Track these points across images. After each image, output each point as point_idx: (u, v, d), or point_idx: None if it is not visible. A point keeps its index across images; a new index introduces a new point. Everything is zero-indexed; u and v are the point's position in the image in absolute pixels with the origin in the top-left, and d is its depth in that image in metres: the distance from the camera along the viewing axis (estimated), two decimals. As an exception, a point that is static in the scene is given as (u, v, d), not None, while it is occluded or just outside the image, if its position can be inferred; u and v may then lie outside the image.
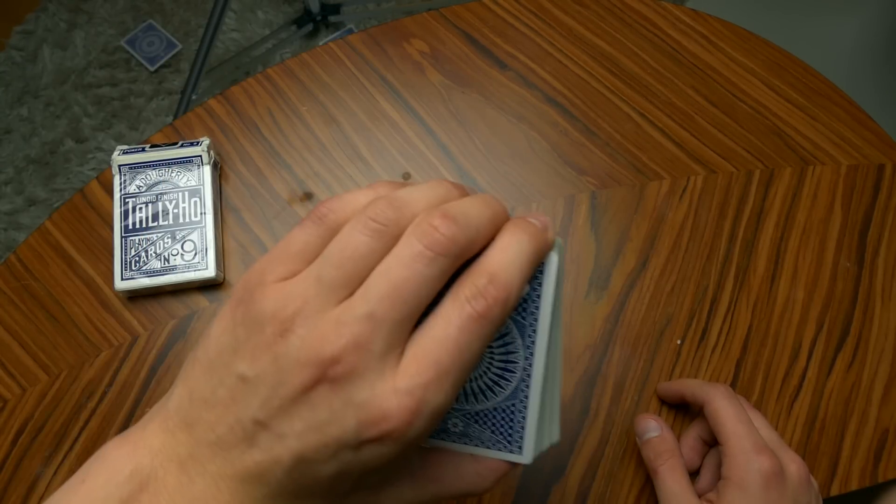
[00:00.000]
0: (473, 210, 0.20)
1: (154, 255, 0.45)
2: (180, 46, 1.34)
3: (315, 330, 0.18)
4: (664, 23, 0.55)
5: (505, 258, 0.20)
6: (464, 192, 0.22)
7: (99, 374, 0.44)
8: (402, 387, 0.18)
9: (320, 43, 1.03)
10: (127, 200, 0.45)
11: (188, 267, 0.44)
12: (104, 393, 0.44)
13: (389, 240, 0.19)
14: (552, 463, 0.43)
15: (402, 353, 0.19)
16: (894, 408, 0.45)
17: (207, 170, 0.46)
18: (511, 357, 0.22)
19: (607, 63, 0.53)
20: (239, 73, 1.30)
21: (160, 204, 0.46)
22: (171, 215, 0.45)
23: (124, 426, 0.44)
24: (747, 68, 0.53)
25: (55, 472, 0.42)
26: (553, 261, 0.21)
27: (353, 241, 0.19)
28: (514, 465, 0.24)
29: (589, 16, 0.55)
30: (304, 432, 0.19)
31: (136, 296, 0.46)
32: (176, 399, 0.21)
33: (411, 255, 0.19)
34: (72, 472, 0.38)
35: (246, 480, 0.19)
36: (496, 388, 0.23)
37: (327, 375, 0.18)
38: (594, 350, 0.46)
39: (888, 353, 0.46)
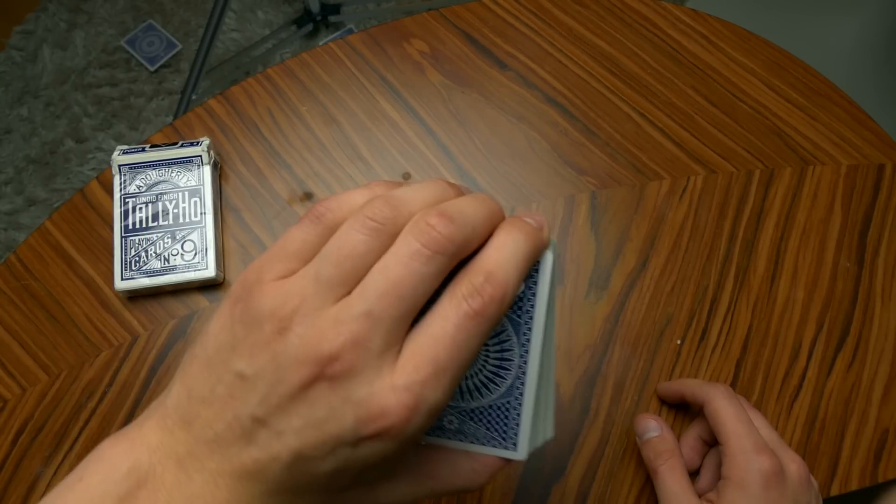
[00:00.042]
0: (470, 209, 0.20)
1: (154, 255, 0.45)
2: (180, 46, 1.34)
3: (313, 328, 0.19)
4: (664, 23, 0.55)
5: (501, 256, 0.20)
6: (459, 192, 0.22)
7: (99, 374, 0.44)
8: (399, 384, 0.19)
9: (320, 43, 1.03)
10: (127, 200, 0.45)
11: (188, 267, 0.44)
12: (104, 393, 0.44)
13: (387, 238, 0.20)
14: (552, 463, 0.43)
15: (399, 350, 0.19)
16: (894, 408, 0.45)
17: (207, 170, 0.46)
18: (506, 355, 0.23)
19: (607, 63, 0.53)
20: (239, 73, 1.30)
21: (160, 204, 0.46)
22: (171, 215, 0.45)
23: (124, 426, 0.43)
24: (747, 68, 0.53)
25: (55, 472, 0.42)
26: (548, 259, 0.22)
27: (350, 239, 0.20)
28: (508, 461, 0.24)
29: (589, 16, 0.55)
30: (302, 429, 0.19)
31: (136, 296, 0.46)
32: (174, 396, 0.21)
33: (409, 253, 0.19)
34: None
35: (244, 477, 0.19)
36: (491, 386, 0.23)
37: (325, 373, 0.18)
38: (594, 350, 0.46)
39: (888, 353, 0.46)
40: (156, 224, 0.45)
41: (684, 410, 0.45)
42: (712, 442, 0.41)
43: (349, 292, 0.19)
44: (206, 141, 0.47)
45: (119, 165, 0.46)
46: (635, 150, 0.51)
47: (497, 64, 0.53)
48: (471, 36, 0.54)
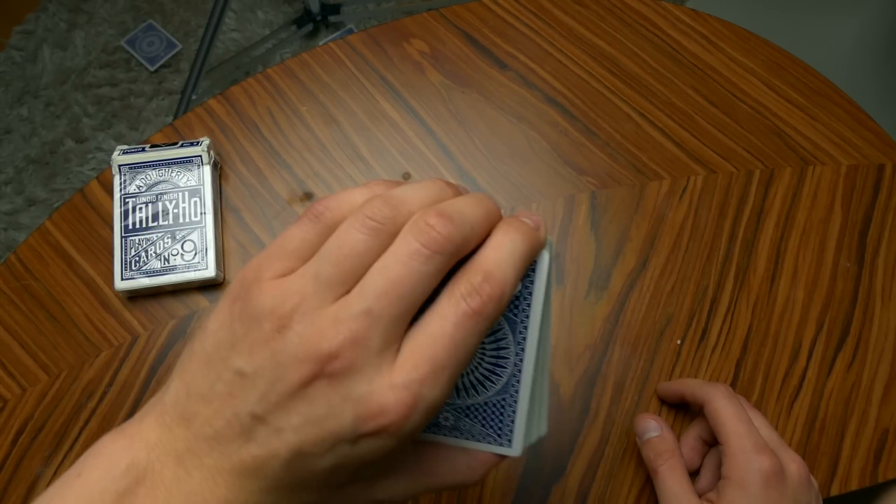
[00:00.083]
0: (468, 209, 0.20)
1: (154, 255, 0.45)
2: (180, 46, 1.34)
3: (313, 326, 0.19)
4: (664, 23, 0.55)
5: (499, 256, 0.20)
6: (457, 191, 0.22)
7: (99, 374, 0.44)
8: (398, 382, 0.19)
9: (320, 43, 1.03)
10: (127, 200, 0.45)
11: (188, 267, 0.44)
12: (104, 393, 0.44)
13: (386, 238, 0.20)
14: (552, 463, 0.43)
15: (398, 348, 0.19)
16: (894, 408, 0.45)
17: (207, 170, 0.46)
18: (502, 353, 0.23)
19: (607, 63, 0.53)
20: (239, 73, 1.30)
21: (160, 204, 0.46)
22: (171, 215, 0.45)
23: (124, 426, 0.43)
24: (747, 68, 0.53)
25: (55, 472, 0.42)
26: (545, 259, 0.22)
27: (350, 238, 0.20)
28: (503, 457, 0.24)
29: (589, 16, 0.55)
30: (301, 426, 0.19)
31: (136, 296, 0.46)
32: (172, 393, 0.21)
33: (408, 252, 0.19)
34: (72, 472, 0.38)
35: (243, 474, 0.20)
36: (487, 383, 0.23)
37: (325, 371, 0.19)
38: (594, 350, 0.46)
39: (888, 353, 0.46)
40: (156, 224, 0.45)
41: (684, 410, 0.45)
42: (712, 442, 0.41)
43: (348, 291, 0.19)
44: (206, 141, 0.47)
45: (119, 165, 0.46)
46: (635, 150, 0.51)
47: (497, 64, 0.53)
48: (471, 36, 0.54)
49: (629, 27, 0.54)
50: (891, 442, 0.45)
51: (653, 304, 0.47)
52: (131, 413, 0.44)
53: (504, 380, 0.23)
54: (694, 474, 0.42)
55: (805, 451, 0.44)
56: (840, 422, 0.45)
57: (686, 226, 0.49)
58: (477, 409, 0.24)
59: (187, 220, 0.45)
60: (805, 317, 0.47)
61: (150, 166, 0.46)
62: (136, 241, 0.45)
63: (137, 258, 0.44)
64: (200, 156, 0.46)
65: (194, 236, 0.45)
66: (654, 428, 0.41)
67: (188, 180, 0.46)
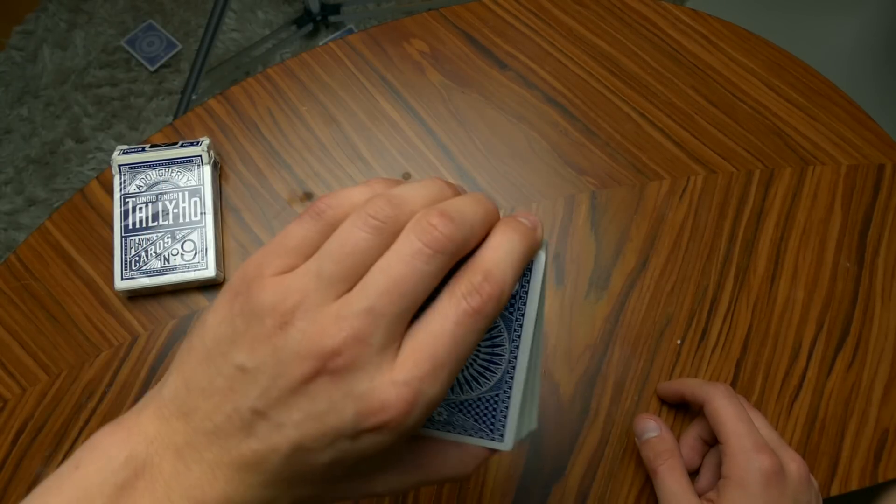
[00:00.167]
0: (469, 209, 0.21)
1: (154, 254, 0.45)
2: (180, 46, 1.34)
3: (315, 323, 0.19)
4: (664, 23, 0.55)
5: (498, 256, 0.21)
6: (456, 191, 0.23)
7: (99, 374, 0.44)
8: (400, 379, 0.19)
9: (320, 43, 1.03)
10: (127, 200, 0.45)
11: (188, 267, 0.44)
12: (104, 393, 0.44)
13: (388, 237, 0.20)
14: (552, 463, 0.43)
15: (399, 346, 0.20)
16: (894, 408, 0.45)
17: (207, 170, 0.46)
18: (497, 350, 0.23)
19: (607, 63, 0.53)
20: (239, 73, 1.30)
21: (160, 204, 0.46)
22: (171, 215, 0.45)
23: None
24: (747, 68, 0.53)
25: (55, 472, 0.42)
26: (541, 259, 0.22)
27: (352, 237, 0.20)
28: (494, 451, 0.25)
29: (589, 16, 0.55)
30: (302, 422, 0.19)
31: (136, 296, 0.46)
32: (171, 387, 0.21)
33: (411, 252, 0.19)
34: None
35: (242, 468, 0.20)
36: (481, 380, 0.24)
37: (327, 368, 0.19)
38: (594, 350, 0.46)
39: (888, 353, 0.46)
40: (156, 224, 0.45)
41: (684, 410, 0.45)
42: (712, 442, 0.41)
43: (350, 289, 0.20)
44: (206, 141, 0.47)
45: (119, 165, 0.46)
46: (635, 150, 0.51)
47: (497, 64, 0.53)
48: (471, 36, 0.54)
49: (629, 27, 0.54)
50: (891, 442, 0.45)
51: (653, 304, 0.47)
52: (131, 413, 0.44)
53: (498, 376, 0.24)
54: (693, 474, 0.42)
55: (805, 451, 0.44)
56: (840, 422, 0.45)
57: (686, 226, 0.49)
58: (470, 405, 0.24)
59: (187, 219, 0.45)
60: (805, 317, 0.47)
61: (150, 166, 0.46)
62: (136, 241, 0.45)
63: (137, 258, 0.44)
64: (200, 156, 0.46)
65: (194, 236, 0.45)
66: (652, 428, 0.41)
67: (188, 180, 0.46)
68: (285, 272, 0.20)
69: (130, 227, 0.45)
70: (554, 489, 0.43)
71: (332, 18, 1.31)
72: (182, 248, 0.45)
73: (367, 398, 0.19)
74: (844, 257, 0.48)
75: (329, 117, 0.51)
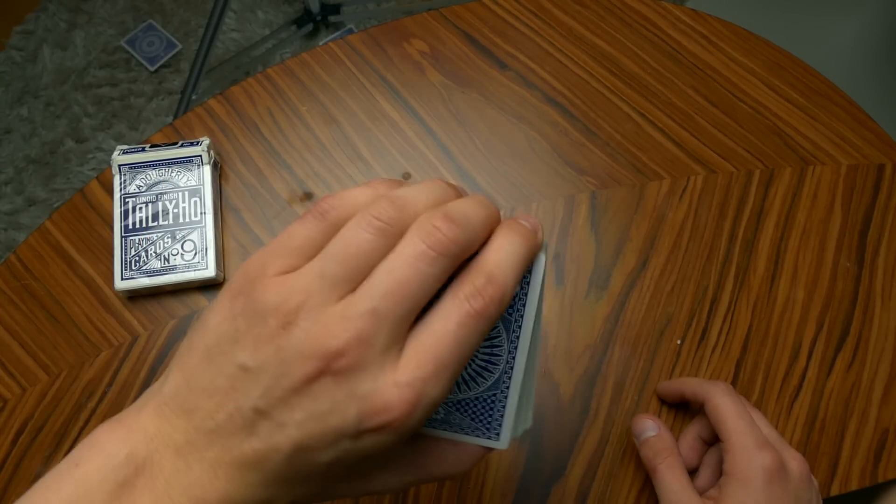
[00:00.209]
0: (471, 211, 0.21)
1: (154, 254, 0.45)
2: (180, 46, 1.34)
3: (319, 324, 0.19)
4: (664, 23, 0.55)
5: (500, 258, 0.21)
6: (458, 193, 0.23)
7: (99, 374, 0.44)
8: (402, 380, 0.19)
9: (320, 43, 1.03)
10: (127, 200, 0.45)
11: (188, 267, 0.44)
12: (104, 393, 0.44)
13: (392, 238, 0.20)
14: (552, 463, 0.43)
15: (402, 348, 0.20)
16: (894, 408, 0.45)
17: (207, 170, 0.46)
18: (495, 350, 0.24)
19: (607, 63, 0.53)
20: (239, 73, 1.30)
21: (160, 204, 0.46)
22: (171, 215, 0.45)
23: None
24: (747, 68, 0.53)
25: (55, 472, 0.42)
26: (541, 261, 0.22)
27: (356, 238, 0.20)
28: (489, 449, 0.25)
29: (589, 16, 0.55)
30: (304, 421, 0.19)
31: (136, 296, 0.46)
32: (172, 385, 0.21)
33: (415, 254, 0.19)
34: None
35: (243, 467, 0.20)
36: (479, 379, 0.24)
37: (331, 368, 0.19)
38: (594, 350, 0.46)
39: (888, 353, 0.47)
40: (156, 224, 0.45)
41: (684, 410, 0.45)
42: (711, 441, 0.41)
43: (353, 290, 0.20)
44: (206, 141, 0.47)
45: (119, 165, 0.46)
46: (635, 150, 0.51)
47: (497, 64, 0.53)
48: (471, 36, 0.54)
49: (629, 27, 0.54)
50: (891, 442, 0.45)
51: (653, 304, 0.47)
52: (131, 413, 0.44)
53: (496, 376, 0.24)
54: (692, 474, 0.42)
55: (805, 450, 0.44)
56: (840, 422, 0.45)
57: (686, 226, 0.49)
58: (468, 404, 0.25)
59: (187, 219, 0.45)
60: (805, 317, 0.47)
61: (150, 166, 0.46)
62: (136, 241, 0.45)
63: (137, 258, 0.44)
64: (200, 156, 0.46)
65: (194, 236, 0.45)
66: (651, 428, 0.41)
67: (188, 180, 0.46)
68: (288, 272, 0.20)
69: (130, 226, 0.45)
70: (554, 489, 0.43)
71: (332, 18, 1.31)
72: (182, 248, 0.45)
73: (370, 399, 0.19)
74: (844, 257, 0.49)
75: (329, 117, 0.51)
